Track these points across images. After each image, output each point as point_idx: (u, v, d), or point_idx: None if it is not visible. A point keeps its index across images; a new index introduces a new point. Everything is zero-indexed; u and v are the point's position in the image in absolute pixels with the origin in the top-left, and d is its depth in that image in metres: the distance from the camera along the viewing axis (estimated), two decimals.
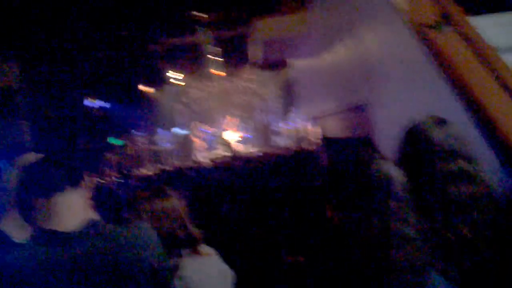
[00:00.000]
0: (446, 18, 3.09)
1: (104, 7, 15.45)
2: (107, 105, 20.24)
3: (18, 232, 1.66)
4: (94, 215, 1.64)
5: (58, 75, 17.93)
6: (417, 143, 2.16)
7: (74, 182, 1.55)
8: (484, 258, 1.99)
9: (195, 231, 2.29)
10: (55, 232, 1.45)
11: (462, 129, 2.22)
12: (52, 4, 13.95)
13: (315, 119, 9.44)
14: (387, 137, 4.67)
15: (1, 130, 13.19)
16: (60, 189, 1.51)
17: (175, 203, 2.29)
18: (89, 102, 19.39)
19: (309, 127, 15.33)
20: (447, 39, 3.00)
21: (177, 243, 2.19)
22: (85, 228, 1.49)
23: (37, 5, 13.66)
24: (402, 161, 2.23)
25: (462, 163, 2.08)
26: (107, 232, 1.53)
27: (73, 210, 1.52)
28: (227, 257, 2.44)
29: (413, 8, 3.39)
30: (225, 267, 2.38)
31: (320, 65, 7.90)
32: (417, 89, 3.70)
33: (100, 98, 19.97)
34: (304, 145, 12.58)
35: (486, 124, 2.45)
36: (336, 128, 7.65)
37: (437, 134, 2.11)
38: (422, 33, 3.23)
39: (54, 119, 17.18)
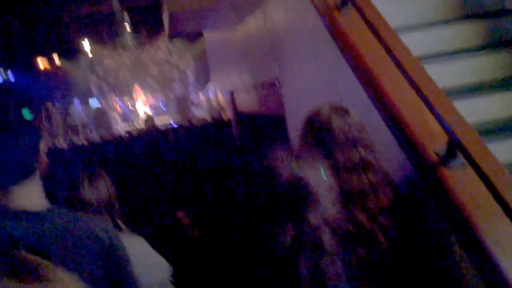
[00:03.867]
0: None
1: None
2: (18, 76, 19.21)
3: None
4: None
5: None
6: (317, 131, 2.14)
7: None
8: (382, 246, 2.02)
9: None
10: (21, 211, 1.57)
11: (362, 115, 2.21)
12: None
13: (230, 92, 9.38)
14: (297, 117, 4.68)
15: None
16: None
17: (107, 184, 2.40)
18: None
19: (225, 99, 15.32)
20: (348, 21, 2.98)
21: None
22: (49, 209, 1.64)
23: None
24: (304, 149, 2.21)
25: (362, 152, 2.08)
26: (65, 212, 1.72)
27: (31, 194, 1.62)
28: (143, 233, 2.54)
29: None
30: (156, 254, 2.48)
31: (232, 38, 7.80)
32: (321, 71, 3.70)
33: (10, 69, 18.93)
34: (220, 117, 12.61)
35: (386, 110, 2.46)
36: (249, 102, 7.63)
37: (337, 123, 2.10)
38: (325, 13, 3.19)
39: None
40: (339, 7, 3.09)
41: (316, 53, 3.74)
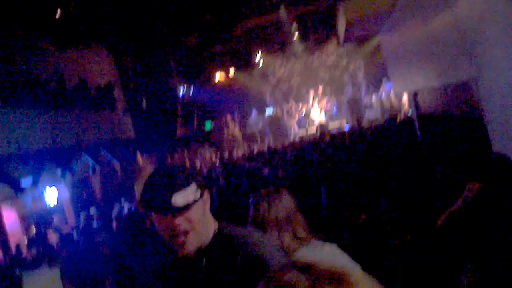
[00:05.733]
0: None
1: None
2: (198, 90, 20.77)
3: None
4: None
5: (151, 67, 18.59)
6: None
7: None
8: None
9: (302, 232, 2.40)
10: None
11: None
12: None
13: (413, 93, 9.10)
14: (502, 119, 4.39)
15: (102, 124, 13.86)
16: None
17: (288, 201, 2.42)
18: (182, 90, 20.01)
19: (401, 100, 14.87)
20: None
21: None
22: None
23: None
24: None
25: None
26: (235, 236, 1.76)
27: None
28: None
29: None
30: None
31: (413, 39, 7.58)
32: None
33: (192, 85, 20.51)
34: (398, 118, 12.31)
35: None
36: (435, 102, 7.36)
37: None
38: None
39: (151, 110, 17.87)
40: None
41: None
